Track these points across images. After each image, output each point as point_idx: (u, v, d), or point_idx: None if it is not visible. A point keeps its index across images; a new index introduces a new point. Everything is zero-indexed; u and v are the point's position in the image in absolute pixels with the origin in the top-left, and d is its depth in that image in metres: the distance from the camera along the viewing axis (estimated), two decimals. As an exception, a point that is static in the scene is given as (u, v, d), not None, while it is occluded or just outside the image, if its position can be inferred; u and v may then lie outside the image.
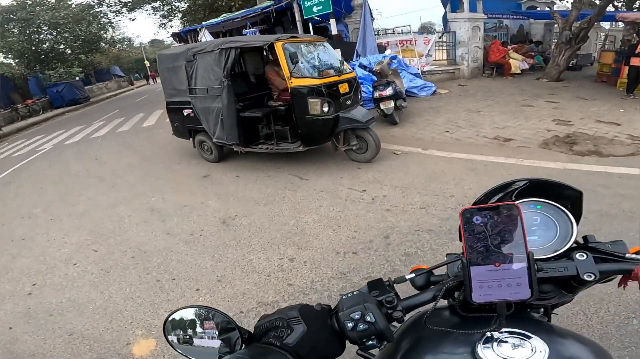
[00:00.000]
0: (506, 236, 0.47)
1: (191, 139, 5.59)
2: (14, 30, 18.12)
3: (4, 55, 18.49)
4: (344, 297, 0.56)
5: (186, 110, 5.18)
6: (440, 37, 10.28)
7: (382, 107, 5.64)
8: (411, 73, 8.12)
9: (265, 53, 5.29)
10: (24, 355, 2.28)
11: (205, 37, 9.62)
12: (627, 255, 0.54)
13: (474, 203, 0.61)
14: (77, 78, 21.54)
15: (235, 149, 4.87)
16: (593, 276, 0.51)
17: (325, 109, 4.07)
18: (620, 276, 0.57)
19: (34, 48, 18.72)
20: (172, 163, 5.85)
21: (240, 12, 10.17)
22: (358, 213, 3.49)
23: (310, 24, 8.67)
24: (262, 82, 5.25)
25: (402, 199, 3.66)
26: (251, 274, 2.81)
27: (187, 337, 0.60)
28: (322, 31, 9.23)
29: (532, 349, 0.45)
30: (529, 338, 0.47)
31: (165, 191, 4.69)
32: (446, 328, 0.51)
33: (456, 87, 8.89)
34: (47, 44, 19.85)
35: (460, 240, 0.50)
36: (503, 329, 0.47)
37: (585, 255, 0.53)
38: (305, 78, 4.10)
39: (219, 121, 4.66)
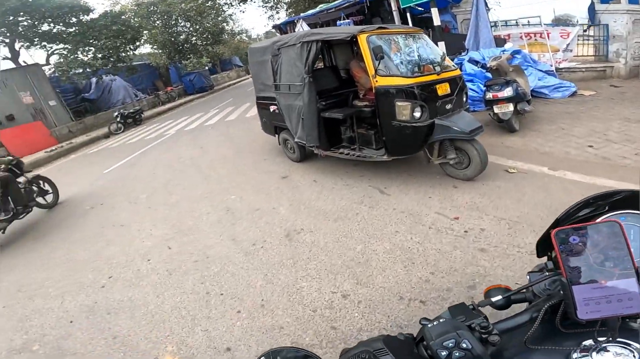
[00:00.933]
0: (609, 253, 0.46)
1: (277, 136, 5.48)
2: (157, 22, 21.26)
3: (150, 46, 22.07)
4: (428, 325, 0.55)
5: (272, 107, 5.04)
6: (584, 30, 8.06)
7: (496, 110, 4.53)
8: (541, 71, 6.48)
9: (354, 47, 4.71)
10: (67, 353, 2.39)
11: (302, 28, 9.48)
12: None
13: (557, 220, 0.64)
14: (206, 68, 24.52)
15: (315, 151, 4.53)
16: None
17: (417, 114, 3.35)
18: None
19: (173, 39, 21.81)
20: (259, 159, 5.87)
21: (335, 2, 9.66)
22: (441, 248, 2.78)
23: (409, 14, 7.70)
24: (353, 78, 4.73)
25: (507, 237, 2.76)
26: (296, 305, 2.46)
27: None
28: (425, 22, 8.14)
29: (634, 357, 0.45)
30: (629, 345, 0.47)
31: (244, 190, 4.68)
32: (550, 346, 0.51)
33: (607, 88, 6.77)
34: (183, 35, 22.93)
35: (538, 256, 0.57)
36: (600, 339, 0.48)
37: None
38: (393, 77, 3.43)
39: (300, 120, 4.36)
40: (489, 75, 5.17)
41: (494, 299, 0.60)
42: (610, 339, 0.47)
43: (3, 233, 4.66)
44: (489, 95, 4.48)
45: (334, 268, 2.78)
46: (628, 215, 0.59)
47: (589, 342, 0.48)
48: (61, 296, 3.10)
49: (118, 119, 13.22)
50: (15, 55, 14.75)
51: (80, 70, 15.22)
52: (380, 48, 3.30)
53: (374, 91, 3.55)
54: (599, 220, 0.51)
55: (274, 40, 4.73)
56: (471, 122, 3.46)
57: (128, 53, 17.38)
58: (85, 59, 15.48)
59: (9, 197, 4.72)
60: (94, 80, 16.80)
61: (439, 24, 6.28)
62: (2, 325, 2.86)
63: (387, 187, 3.93)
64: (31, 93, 13.27)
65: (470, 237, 2.85)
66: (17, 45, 14.66)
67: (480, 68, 5.34)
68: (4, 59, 14.68)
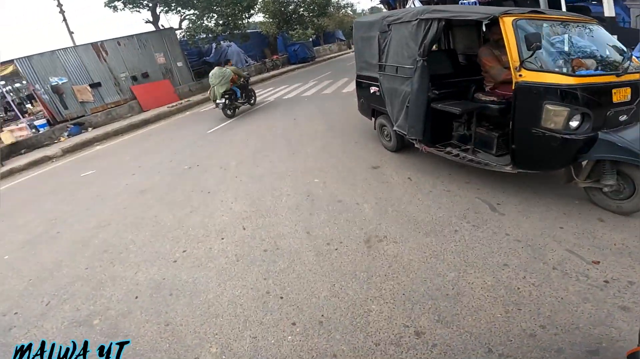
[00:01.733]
0: None
1: (373, 120, 4.90)
2: (269, -9, 21.70)
3: (262, 14, 22.77)
4: None
5: (373, 88, 4.44)
6: None
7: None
8: None
9: (483, 30, 3.71)
10: (119, 334, 2.33)
11: (414, 5, 8.32)
12: None
13: None
14: (310, 39, 24.52)
15: (416, 145, 3.85)
16: None
17: (574, 124, 2.42)
18: None
19: (282, 9, 22.19)
20: (351, 140, 5.40)
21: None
22: (565, 298, 2.03)
23: (563, 1, 5.97)
24: (474, 66, 3.81)
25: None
26: (358, 332, 2.04)
27: None
28: (581, 12, 6.25)
29: None
30: None
31: (329, 174, 4.29)
32: None
33: None
34: (292, 6, 23.11)
35: None
36: None
37: None
38: (547, 72, 2.51)
39: (404, 108, 3.69)
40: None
41: None
42: None
43: (236, 110, 9.10)
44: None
45: (413, 296, 2.24)
46: None
47: None
48: (137, 266, 3.11)
49: (229, 82, 14.18)
50: (155, 19, 16.63)
51: (204, 36, 16.52)
52: (537, 36, 2.37)
53: (513, 87, 2.68)
54: None
55: (384, 15, 4.02)
56: (652, 140, 2.38)
57: (243, 20, 18.18)
58: (209, 25, 16.70)
59: (244, 93, 9.45)
60: (214, 45, 18.14)
61: (613, 14, 4.69)
62: (77, 290, 2.91)
63: (501, 204, 3.09)
64: (164, 55, 14.91)
65: (611, 290, 2.03)
66: (157, 10, 16.47)
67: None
68: (146, 22, 16.71)
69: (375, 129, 4.93)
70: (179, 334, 2.24)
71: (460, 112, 3.16)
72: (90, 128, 11.57)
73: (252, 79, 16.50)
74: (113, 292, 2.81)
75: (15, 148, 10.04)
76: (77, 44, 13.27)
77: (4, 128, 11.10)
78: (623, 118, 2.51)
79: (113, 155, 7.90)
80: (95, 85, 12.46)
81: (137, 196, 4.86)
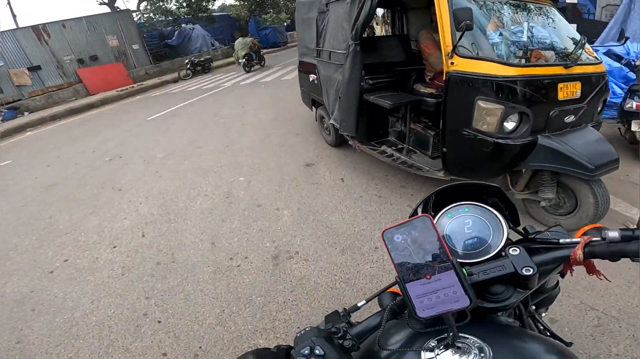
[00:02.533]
0: (428, 248, 0.45)
1: (314, 110, 4.36)
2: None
3: (233, -3, 21.39)
4: (297, 335, 0.51)
5: (312, 75, 3.88)
6: None
7: (634, 127, 2.81)
8: None
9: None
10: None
11: None
12: (562, 241, 0.51)
13: (411, 215, 0.56)
14: (285, 24, 23.37)
15: (350, 142, 3.35)
16: (532, 270, 0.47)
17: (509, 126, 1.98)
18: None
19: (255, -8, 20.83)
20: (292, 132, 4.83)
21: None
22: None
23: None
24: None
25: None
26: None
27: None
28: None
29: (474, 355, 0.41)
30: (467, 339, 0.44)
31: (258, 172, 3.73)
32: (401, 348, 0.48)
33: None
34: (265, -11, 21.78)
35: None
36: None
37: (517, 249, 0.50)
38: (482, 60, 2.03)
39: (338, 99, 3.17)
40: (632, 75, 3.35)
41: (360, 304, 0.56)
42: (450, 338, 0.42)
43: (251, 68, 11.68)
44: (630, 104, 2.77)
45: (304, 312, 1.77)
46: (471, 206, 0.55)
47: (433, 342, 0.44)
48: (10, 275, 2.58)
49: (188, 66, 13.14)
50: (111, 1, 15.11)
51: (163, 18, 15.26)
52: (468, 12, 1.85)
53: (444, 77, 2.20)
54: (416, 216, 0.45)
55: (323, -7, 3.45)
56: (601, 149, 1.98)
57: (209, 3, 16.97)
58: (169, 7, 15.42)
59: (257, 57, 12.05)
60: (176, 28, 16.85)
61: (574, 1, 4.31)
62: None
63: (433, 213, 2.67)
64: (117, 37, 13.58)
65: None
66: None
67: (621, 65, 3.48)
68: (100, 4, 15.16)
69: (316, 121, 4.39)
70: (28, 354, 1.86)
71: (390, 106, 2.65)
72: (26, 113, 10.32)
73: (218, 63, 15.53)
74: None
75: None
76: (25, 26, 11.80)
77: None
78: (570, 119, 2.08)
79: (38, 142, 6.94)
80: (34, 69, 11.12)
81: (42, 192, 4.11)
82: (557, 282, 0.70)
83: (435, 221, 0.53)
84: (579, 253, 0.48)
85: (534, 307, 0.67)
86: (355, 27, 2.69)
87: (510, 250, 0.50)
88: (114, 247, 2.75)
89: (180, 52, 17.01)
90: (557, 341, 0.49)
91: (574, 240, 0.50)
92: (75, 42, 12.25)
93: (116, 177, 4.17)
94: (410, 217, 0.49)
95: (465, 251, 0.52)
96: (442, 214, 0.56)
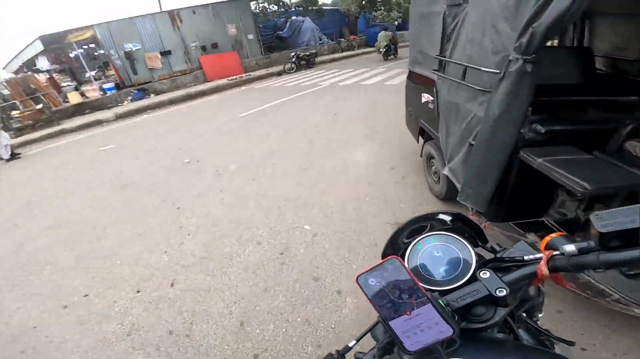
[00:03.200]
0: (401, 286, 0.45)
1: (421, 143, 3.12)
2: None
3: (343, -9, 20.52)
4: None
5: (425, 95, 2.67)
6: None
7: None
8: None
9: None
10: None
11: None
12: (526, 257, 0.52)
13: (383, 254, 0.59)
14: (395, 23, 21.60)
15: (470, 214, 2.07)
16: (505, 291, 0.49)
17: None
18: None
19: (367, -13, 19.59)
20: (385, 164, 3.66)
21: None
22: None
23: None
24: (627, 82, 1.83)
25: None
26: None
27: None
28: None
29: None
30: None
31: (329, 222, 2.74)
32: None
33: None
34: (378, -15, 20.34)
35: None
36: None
37: (487, 272, 0.51)
38: None
39: (467, 145, 1.93)
40: None
41: (350, 344, 0.56)
42: None
43: (388, 57, 13.16)
44: None
45: None
46: (438, 235, 0.57)
47: None
48: (27, 299, 2.33)
49: (293, 59, 12.96)
50: None
51: (276, 8, 15.37)
52: None
53: None
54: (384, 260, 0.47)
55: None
56: None
57: None
58: None
59: (394, 48, 13.42)
60: (289, 20, 16.94)
61: None
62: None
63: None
64: (236, 26, 14.12)
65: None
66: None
67: None
68: None
69: (421, 157, 3.15)
70: None
71: (590, 192, 1.29)
72: (152, 94, 11.42)
73: (321, 58, 15.04)
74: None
75: (80, 108, 10.25)
76: (163, 10, 13.08)
77: (81, 88, 11.54)
78: None
79: (145, 129, 7.30)
80: (165, 53, 12.21)
81: (115, 191, 3.97)
82: (539, 289, 0.62)
83: (407, 255, 0.56)
84: (544, 269, 0.49)
85: (524, 315, 0.65)
86: (531, 31, 1.40)
87: (481, 274, 0.50)
88: (137, 292, 2.22)
89: (289, 45, 17.06)
90: (547, 350, 0.54)
91: (537, 256, 0.51)
92: (201, 28, 13.05)
93: (182, 189, 3.72)
94: (382, 258, 0.51)
95: (442, 279, 0.52)
96: (412, 247, 0.56)
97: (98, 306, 2.16)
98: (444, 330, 0.43)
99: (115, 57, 11.18)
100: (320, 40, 18.18)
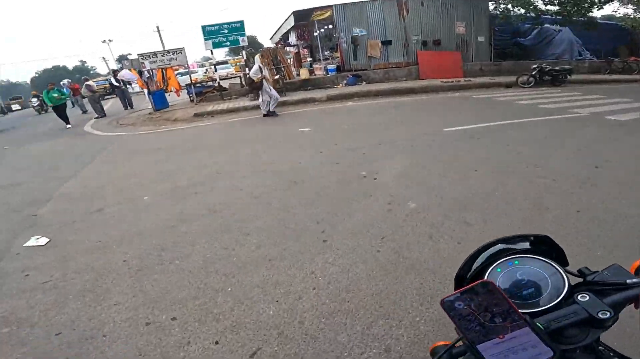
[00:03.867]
0: (495, 310, 0.43)
1: None
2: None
3: (624, 5, 14.18)
4: None
5: None
6: None
7: None
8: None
9: None
10: None
11: None
12: (628, 281, 0.49)
13: (458, 276, 0.57)
14: None
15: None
16: (609, 313, 0.45)
17: None
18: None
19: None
20: None
21: None
22: None
23: None
24: None
25: None
26: None
27: None
28: None
29: None
30: None
31: None
32: None
33: None
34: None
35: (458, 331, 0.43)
36: None
37: (587, 296, 0.48)
38: None
39: None
40: None
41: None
42: None
43: None
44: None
45: None
46: (521, 258, 0.54)
47: None
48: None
49: (533, 72, 10.13)
50: None
51: (523, 11, 12.32)
52: None
53: None
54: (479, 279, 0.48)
55: None
56: None
57: (593, 7, 12.15)
58: (535, 1, 12.16)
59: None
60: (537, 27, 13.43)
61: None
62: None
63: None
64: (466, 25, 12.27)
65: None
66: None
67: None
68: None
69: None
70: None
71: None
72: (364, 82, 11.47)
73: (577, 77, 11.13)
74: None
75: (305, 84, 11.37)
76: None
77: (313, 66, 12.86)
78: None
79: (340, 117, 7.10)
80: (386, 43, 11.91)
81: (208, 218, 3.61)
82: None
83: (485, 277, 0.53)
84: None
85: None
86: None
87: (579, 297, 0.48)
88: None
89: (530, 54, 13.67)
90: None
91: None
92: (426, 22, 12.05)
93: (336, 219, 2.92)
94: (455, 281, 0.55)
95: (524, 301, 0.49)
96: (492, 269, 0.54)
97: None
98: (543, 352, 0.40)
99: (343, 40, 11.71)
100: (580, 55, 13.66)
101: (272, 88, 8.07)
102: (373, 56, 11.86)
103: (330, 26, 13.38)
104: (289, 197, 3.36)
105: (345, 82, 11.33)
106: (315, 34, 13.78)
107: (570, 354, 0.47)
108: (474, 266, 0.57)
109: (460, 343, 0.47)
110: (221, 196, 3.54)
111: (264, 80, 7.75)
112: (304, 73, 11.72)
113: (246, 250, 2.53)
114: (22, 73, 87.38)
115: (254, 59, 10.90)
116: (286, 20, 13.61)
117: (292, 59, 13.76)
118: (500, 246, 0.57)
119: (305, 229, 2.72)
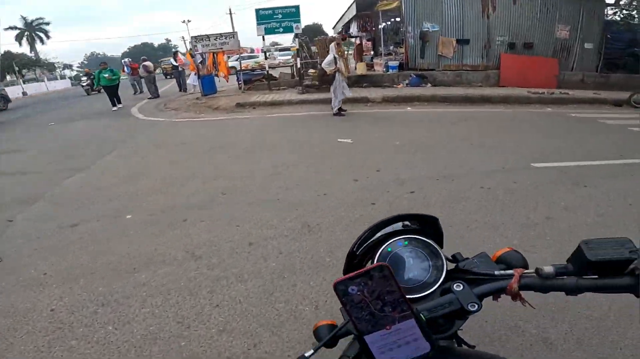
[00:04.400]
0: (386, 297, 0.42)
1: None
2: None
3: None
4: None
5: None
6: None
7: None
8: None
9: None
10: None
11: None
12: (496, 273, 0.51)
13: (351, 252, 0.58)
14: None
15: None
16: (477, 306, 0.47)
17: None
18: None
19: None
20: None
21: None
22: None
23: None
24: None
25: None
26: None
27: None
28: None
29: None
30: None
31: None
32: None
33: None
34: None
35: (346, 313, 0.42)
36: None
37: (461, 285, 0.49)
38: None
39: None
40: None
41: (307, 354, 0.48)
42: None
43: None
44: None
45: None
46: (410, 239, 0.56)
47: None
48: None
49: (659, 89, 7.68)
50: None
51: None
52: None
53: None
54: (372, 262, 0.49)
55: None
56: None
57: None
58: None
59: None
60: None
61: None
62: None
63: None
64: (570, 29, 9.84)
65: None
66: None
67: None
68: None
69: None
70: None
71: None
72: (429, 84, 9.89)
73: None
74: None
75: (361, 80, 10.12)
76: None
77: (373, 61, 11.53)
78: None
79: (393, 128, 5.84)
80: (462, 42, 10.05)
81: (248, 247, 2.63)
82: None
83: (376, 257, 0.55)
84: (515, 286, 0.49)
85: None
86: None
87: (455, 286, 0.49)
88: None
89: (655, 67, 10.70)
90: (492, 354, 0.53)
91: (508, 272, 0.51)
92: (516, 22, 9.90)
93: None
94: (347, 258, 0.55)
95: (408, 286, 0.52)
96: (383, 248, 0.56)
97: None
98: (421, 347, 0.42)
99: (410, 34, 10.16)
100: None
101: (346, 84, 6.90)
102: (444, 55, 10.13)
103: (398, 19, 11.82)
104: (294, 252, 2.37)
105: (407, 82, 9.87)
106: (380, 26, 12.35)
107: (448, 346, 0.50)
108: (367, 244, 0.58)
109: (346, 328, 0.47)
110: (210, 233, 2.69)
111: (337, 73, 6.59)
112: (360, 68, 10.47)
113: (204, 333, 1.65)
114: (119, 47, 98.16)
115: (323, 47, 9.75)
116: (348, 8, 12.39)
117: (353, 52, 12.52)
118: (396, 225, 0.58)
119: (299, 314, 1.70)
